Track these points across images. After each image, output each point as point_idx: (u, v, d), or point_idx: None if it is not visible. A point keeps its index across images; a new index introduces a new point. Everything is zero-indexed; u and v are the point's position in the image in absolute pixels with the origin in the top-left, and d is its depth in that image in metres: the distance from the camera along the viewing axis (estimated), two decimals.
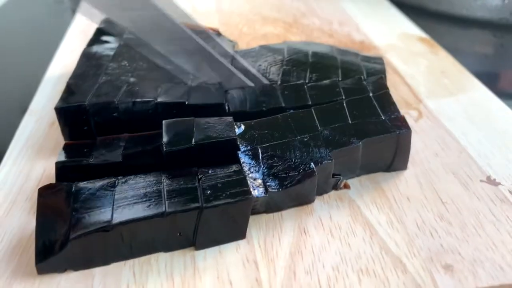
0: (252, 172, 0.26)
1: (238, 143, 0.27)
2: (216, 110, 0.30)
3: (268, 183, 0.26)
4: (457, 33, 0.57)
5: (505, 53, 0.54)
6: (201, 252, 0.25)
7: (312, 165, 0.27)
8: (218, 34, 0.40)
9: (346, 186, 0.29)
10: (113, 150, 0.28)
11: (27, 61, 0.52)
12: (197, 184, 0.25)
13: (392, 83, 0.41)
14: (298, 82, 0.33)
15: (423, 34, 0.51)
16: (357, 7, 0.59)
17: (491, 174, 0.31)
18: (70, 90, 0.31)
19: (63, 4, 0.69)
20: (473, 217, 0.27)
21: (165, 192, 0.24)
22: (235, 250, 0.25)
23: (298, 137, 0.28)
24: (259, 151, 0.27)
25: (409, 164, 0.31)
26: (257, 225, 0.27)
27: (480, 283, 0.23)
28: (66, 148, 0.28)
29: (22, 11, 0.65)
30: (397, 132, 0.29)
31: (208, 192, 0.24)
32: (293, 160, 0.27)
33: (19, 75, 0.49)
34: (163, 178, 0.25)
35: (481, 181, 0.30)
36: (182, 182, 0.25)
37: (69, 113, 0.30)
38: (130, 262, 0.24)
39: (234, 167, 0.26)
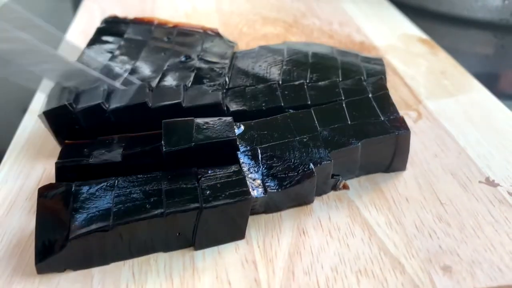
0: (251, 173, 0.26)
1: (238, 143, 0.27)
2: (214, 110, 0.30)
3: (267, 184, 0.26)
4: (457, 34, 0.57)
5: (505, 54, 0.54)
6: (200, 253, 0.25)
7: (311, 165, 0.27)
8: (218, 34, 0.40)
9: (345, 187, 0.29)
10: (113, 150, 0.28)
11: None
12: (196, 184, 0.25)
13: (392, 84, 0.41)
14: (298, 82, 0.33)
15: (423, 35, 0.51)
16: (357, 8, 0.59)
17: (490, 175, 0.31)
18: (55, 92, 0.31)
19: (63, 2, 0.69)
20: (471, 219, 0.27)
21: (164, 192, 0.24)
22: (234, 251, 0.25)
23: (298, 138, 0.28)
24: (259, 151, 0.27)
25: (408, 165, 0.31)
26: (256, 225, 0.27)
27: (478, 284, 0.23)
28: (66, 148, 0.28)
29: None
30: (396, 133, 0.29)
31: (208, 192, 0.24)
32: (292, 161, 0.27)
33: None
34: (162, 178, 0.25)
35: (480, 182, 0.30)
36: (181, 182, 0.25)
37: (55, 116, 0.30)
38: (129, 262, 0.24)
39: (233, 168, 0.26)
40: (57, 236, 0.23)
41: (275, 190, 0.26)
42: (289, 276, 0.24)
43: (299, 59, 0.36)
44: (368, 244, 0.26)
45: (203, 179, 0.25)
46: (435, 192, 0.29)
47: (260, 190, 0.26)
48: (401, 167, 0.31)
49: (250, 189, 0.25)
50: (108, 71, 0.33)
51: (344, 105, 0.31)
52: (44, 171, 0.31)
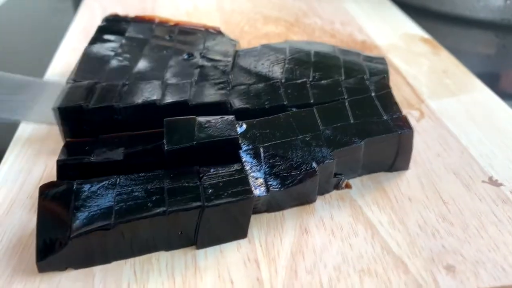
0: (253, 171, 0.26)
1: (240, 142, 0.27)
2: (219, 108, 0.30)
3: (269, 183, 0.26)
4: (459, 34, 0.57)
5: (507, 53, 0.54)
6: (202, 251, 0.25)
7: (314, 164, 0.26)
8: (220, 33, 0.40)
9: (348, 186, 0.29)
10: (114, 148, 0.27)
11: (28, 59, 0.51)
12: (198, 183, 0.25)
13: (394, 83, 0.41)
14: (301, 80, 0.33)
15: (425, 35, 0.51)
16: (359, 7, 0.59)
17: (493, 175, 0.31)
18: (70, 89, 0.31)
19: (64, 1, 0.69)
20: (475, 218, 0.27)
21: (166, 191, 0.24)
22: (236, 250, 0.25)
23: (300, 137, 0.28)
24: (261, 150, 0.27)
25: (411, 164, 0.31)
26: (258, 224, 0.27)
27: (482, 284, 0.23)
28: (67, 146, 0.28)
29: (23, 9, 0.65)
30: (399, 132, 0.29)
31: (210, 191, 0.24)
32: (295, 160, 0.27)
33: (20, 73, 0.48)
34: (164, 176, 0.25)
35: (483, 181, 0.30)
36: (183, 181, 0.25)
37: (68, 113, 0.30)
38: (131, 261, 0.24)
39: (235, 166, 0.26)
40: (58, 235, 0.23)
41: (278, 189, 0.26)
42: (292, 275, 0.24)
43: (301, 57, 0.36)
44: (371, 243, 0.25)
45: (205, 177, 0.25)
46: (438, 191, 0.29)
47: (263, 189, 0.25)
48: (404, 166, 0.31)
49: (252, 188, 0.25)
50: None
51: (346, 104, 0.31)
52: (45, 168, 0.31)
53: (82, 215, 0.23)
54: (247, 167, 0.26)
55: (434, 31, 0.52)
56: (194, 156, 0.26)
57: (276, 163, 0.27)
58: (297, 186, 0.26)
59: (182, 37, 0.38)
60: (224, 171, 0.26)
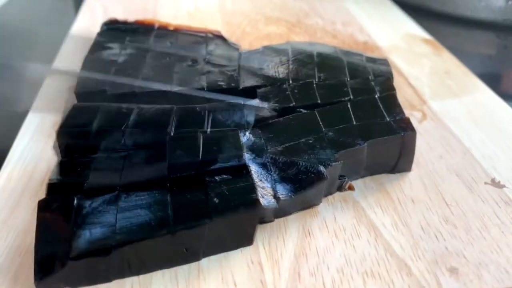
0: (260, 180, 0.26)
1: (245, 152, 0.27)
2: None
3: (277, 190, 0.26)
4: (461, 34, 0.57)
5: (508, 54, 0.54)
6: None
7: (321, 168, 0.26)
8: (220, 37, 0.40)
9: (351, 188, 0.29)
10: (112, 169, 0.26)
11: (31, 58, 0.51)
12: (204, 196, 0.24)
13: (396, 84, 0.41)
14: (307, 81, 0.33)
15: (426, 35, 0.51)
16: (360, 8, 0.59)
17: (496, 176, 0.31)
18: (73, 112, 0.29)
19: (65, 1, 0.69)
20: (478, 220, 0.27)
21: (170, 207, 0.23)
22: (240, 252, 0.25)
23: (303, 140, 0.28)
24: (267, 157, 0.27)
25: (414, 166, 0.31)
26: (261, 227, 0.27)
27: (485, 286, 0.23)
28: (61, 165, 0.26)
29: (24, 10, 0.65)
30: (402, 134, 0.29)
31: (216, 200, 0.24)
32: (301, 164, 0.27)
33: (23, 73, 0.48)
34: (168, 191, 0.24)
35: (485, 183, 0.30)
36: (188, 196, 0.24)
37: (71, 136, 0.28)
38: None
39: (242, 175, 0.25)
40: (57, 253, 0.22)
41: (286, 196, 0.25)
42: (295, 278, 0.24)
43: (304, 58, 0.36)
44: (374, 245, 0.25)
45: (211, 185, 0.25)
46: (440, 193, 0.29)
47: (270, 198, 0.25)
48: (407, 168, 0.31)
49: (260, 198, 0.24)
50: None
51: (349, 105, 0.31)
52: (48, 170, 0.31)
53: (82, 234, 0.22)
54: (254, 176, 0.26)
55: (435, 32, 0.52)
56: (198, 170, 0.26)
57: (283, 170, 0.27)
58: (306, 191, 0.26)
59: (183, 43, 0.38)
60: (230, 179, 0.25)
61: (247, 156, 0.27)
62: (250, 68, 0.35)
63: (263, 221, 0.26)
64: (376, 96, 0.32)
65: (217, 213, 0.23)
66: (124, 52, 0.36)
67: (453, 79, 0.42)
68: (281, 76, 0.34)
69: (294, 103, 0.31)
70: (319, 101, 0.31)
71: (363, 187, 0.30)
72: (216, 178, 0.25)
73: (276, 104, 0.31)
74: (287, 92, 0.32)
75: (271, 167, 0.27)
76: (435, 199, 0.29)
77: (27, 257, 0.25)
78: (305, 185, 0.26)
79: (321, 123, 0.29)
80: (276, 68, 0.35)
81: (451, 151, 0.33)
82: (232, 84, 0.33)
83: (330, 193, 0.29)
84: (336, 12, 0.57)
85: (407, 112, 0.36)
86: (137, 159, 0.27)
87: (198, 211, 0.24)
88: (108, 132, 0.27)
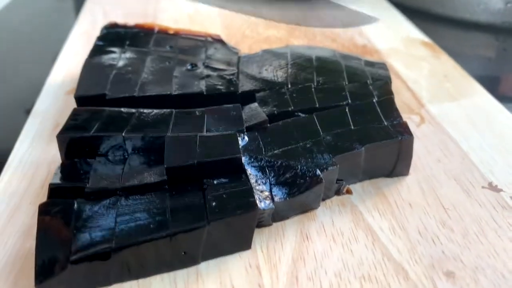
0: (258, 184, 0.26)
1: (243, 155, 0.27)
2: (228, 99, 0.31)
3: (274, 193, 0.26)
4: (460, 37, 0.57)
5: (507, 57, 0.54)
6: None
7: (318, 172, 0.27)
8: (220, 41, 0.40)
9: (349, 192, 0.30)
10: (112, 172, 0.26)
11: (31, 61, 0.52)
12: (202, 200, 0.24)
13: (394, 87, 0.41)
14: (306, 85, 0.33)
15: (426, 39, 0.51)
16: (359, 11, 0.59)
17: (493, 180, 0.31)
18: (74, 116, 0.29)
19: (65, 2, 0.69)
20: (475, 224, 0.27)
21: (169, 210, 0.24)
22: (238, 256, 0.25)
23: (301, 143, 0.28)
24: (264, 161, 0.27)
25: (411, 170, 0.31)
26: (259, 230, 0.27)
27: None
28: (62, 168, 0.27)
29: (25, 11, 0.65)
30: (399, 138, 0.29)
31: (214, 204, 0.24)
32: (299, 168, 0.27)
33: (23, 75, 0.49)
34: (166, 194, 0.25)
35: (483, 187, 0.30)
36: (186, 199, 0.24)
37: (72, 140, 0.28)
38: None
39: (239, 178, 0.26)
40: (58, 256, 0.22)
41: (283, 199, 0.26)
42: (293, 282, 0.24)
43: (303, 62, 0.36)
44: (372, 249, 0.26)
45: (209, 189, 0.25)
46: (438, 197, 0.29)
47: (268, 201, 0.25)
48: (404, 172, 0.31)
49: (257, 201, 0.25)
50: None
51: (347, 110, 0.31)
52: (48, 174, 0.31)
53: (82, 237, 0.22)
54: (252, 179, 0.26)
55: (434, 34, 0.52)
56: (196, 173, 0.26)
57: (281, 173, 0.27)
58: (303, 194, 0.26)
59: (183, 47, 0.38)
60: (228, 182, 0.25)
61: (245, 160, 0.27)
62: (249, 72, 0.35)
63: (261, 224, 0.27)
64: (374, 100, 0.32)
65: (215, 217, 0.24)
66: (123, 56, 0.36)
67: (452, 82, 0.43)
68: (280, 80, 0.34)
69: (292, 107, 0.31)
70: (317, 105, 0.31)
71: (361, 191, 0.30)
72: (214, 181, 0.26)
73: (275, 108, 0.31)
74: (285, 96, 0.32)
75: (269, 171, 0.27)
76: (433, 203, 0.29)
77: (27, 260, 0.25)
78: (302, 188, 0.26)
79: (319, 127, 0.30)
80: (275, 72, 0.35)
81: (449, 155, 0.33)
82: (231, 88, 0.34)
83: (328, 197, 0.29)
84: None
85: (406, 116, 0.37)
86: (137, 163, 0.27)
87: (196, 215, 0.24)
88: (108, 136, 0.28)
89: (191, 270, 0.24)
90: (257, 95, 0.33)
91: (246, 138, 0.28)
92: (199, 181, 0.26)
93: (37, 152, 0.33)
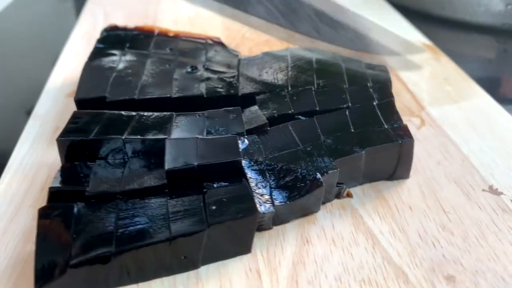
0: (258, 187, 0.26)
1: (243, 158, 0.27)
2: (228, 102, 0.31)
3: (275, 197, 0.26)
4: (460, 39, 0.57)
5: (508, 58, 0.54)
6: None
7: (319, 175, 0.27)
8: (220, 43, 0.40)
9: (349, 195, 0.30)
10: (112, 176, 0.26)
11: (31, 63, 0.52)
12: (202, 203, 0.24)
13: (394, 89, 0.41)
14: (306, 88, 0.33)
15: (426, 41, 0.51)
16: (360, 13, 0.59)
17: (494, 183, 0.31)
18: (74, 119, 0.29)
19: (65, 2, 0.69)
20: (475, 227, 0.27)
21: (168, 215, 0.24)
22: (238, 259, 0.25)
23: (301, 147, 0.28)
24: (264, 164, 0.27)
25: (412, 173, 0.31)
26: (260, 234, 0.27)
27: None
28: (62, 171, 0.27)
29: (26, 13, 0.66)
30: (400, 142, 0.29)
31: (214, 207, 0.24)
32: (299, 171, 0.27)
33: (23, 77, 0.49)
34: (167, 198, 0.25)
35: (483, 190, 0.30)
36: (186, 203, 0.24)
37: (72, 143, 0.28)
38: None
39: (239, 181, 0.26)
40: (57, 260, 0.22)
41: (283, 203, 0.26)
42: (293, 286, 0.24)
43: (304, 65, 0.36)
44: (372, 253, 0.26)
45: (209, 193, 0.25)
46: (438, 200, 0.29)
47: (268, 205, 0.25)
48: (405, 175, 0.31)
49: (258, 205, 0.25)
50: None
51: (347, 113, 0.31)
52: (48, 176, 0.31)
53: (82, 241, 0.22)
54: (252, 183, 0.26)
55: (434, 36, 0.52)
56: (196, 176, 0.26)
57: (281, 177, 0.27)
58: (303, 198, 0.26)
59: (183, 49, 0.38)
60: (228, 186, 0.25)
61: (245, 163, 0.27)
62: (249, 75, 0.35)
63: (261, 228, 0.27)
64: (374, 103, 0.32)
65: (215, 221, 0.24)
66: (124, 58, 0.36)
67: (452, 84, 0.43)
68: (280, 82, 0.34)
69: (292, 110, 0.31)
70: (317, 108, 0.31)
71: (361, 194, 0.30)
72: (214, 185, 0.26)
73: (275, 111, 0.31)
74: (285, 99, 0.32)
75: (269, 174, 0.27)
76: (433, 206, 0.29)
77: (27, 264, 0.25)
78: (302, 192, 0.26)
79: (319, 131, 0.30)
80: (275, 75, 0.35)
81: (449, 158, 0.33)
82: (231, 91, 0.34)
83: (329, 200, 0.29)
84: None
85: (406, 119, 0.37)
86: (137, 166, 0.27)
87: (196, 219, 0.24)
88: (108, 139, 0.28)
89: (191, 273, 0.24)
90: (257, 98, 0.33)
91: (246, 141, 0.28)
92: (199, 184, 0.26)
93: (37, 155, 0.33)
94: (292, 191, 0.26)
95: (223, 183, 0.26)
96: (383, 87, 0.34)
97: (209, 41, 0.40)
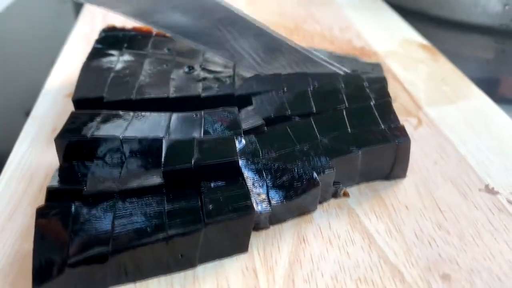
0: (255, 186, 0.26)
1: (240, 158, 0.27)
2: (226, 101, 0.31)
3: (271, 196, 0.26)
4: (458, 39, 0.57)
5: (506, 59, 0.55)
6: None
7: (315, 175, 0.27)
8: None
9: (346, 194, 0.30)
10: (109, 175, 0.26)
11: (30, 64, 0.52)
12: (199, 203, 0.25)
13: (392, 89, 0.41)
14: (302, 89, 0.33)
15: (423, 41, 0.51)
16: (358, 13, 0.59)
17: (490, 183, 0.31)
18: (72, 120, 0.29)
19: (64, 4, 0.70)
20: (471, 227, 0.27)
21: (166, 214, 0.24)
22: (235, 259, 0.25)
23: (298, 147, 0.28)
24: (261, 164, 0.27)
25: (408, 172, 0.31)
26: (257, 233, 0.27)
27: None
28: (60, 171, 0.27)
29: (25, 13, 0.66)
30: (396, 142, 0.29)
31: (210, 206, 0.24)
32: (296, 171, 0.27)
33: (22, 77, 0.49)
34: (163, 197, 0.25)
35: (479, 190, 0.30)
36: (183, 202, 0.25)
37: (70, 143, 0.28)
38: None
39: (236, 181, 0.26)
40: (55, 260, 0.22)
41: (280, 202, 0.26)
42: (289, 284, 0.24)
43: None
44: (368, 252, 0.26)
45: (206, 192, 0.25)
46: (434, 199, 0.29)
47: (265, 204, 0.26)
48: (401, 174, 0.31)
49: (254, 204, 0.25)
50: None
51: (344, 113, 0.31)
52: (46, 176, 0.31)
53: (79, 240, 0.23)
54: (248, 182, 0.26)
55: (432, 36, 0.53)
56: (193, 176, 0.26)
57: (277, 176, 0.27)
58: (300, 197, 0.26)
59: (180, 49, 0.38)
60: (225, 185, 0.25)
61: (242, 163, 0.27)
62: (245, 75, 0.36)
63: (258, 227, 0.27)
64: (371, 104, 0.32)
65: (212, 220, 0.24)
66: (122, 58, 0.37)
67: (449, 84, 0.43)
68: (275, 84, 0.34)
69: (289, 112, 0.31)
70: (314, 110, 0.31)
71: (358, 194, 0.30)
72: (211, 184, 0.26)
73: (272, 113, 0.31)
74: (282, 100, 0.32)
75: (266, 174, 0.27)
76: (429, 205, 0.29)
77: (25, 263, 0.25)
78: (299, 191, 0.26)
79: (316, 130, 0.30)
80: (271, 76, 0.35)
81: (446, 158, 0.33)
82: (228, 91, 0.34)
83: (325, 200, 0.29)
84: (334, 17, 0.58)
85: (403, 118, 0.37)
86: (134, 166, 0.27)
87: (193, 218, 0.24)
88: (106, 139, 0.28)
89: (188, 272, 0.25)
90: (254, 98, 0.33)
91: (243, 141, 0.28)
92: (196, 184, 0.26)
93: (36, 155, 0.33)
94: (289, 190, 0.26)
95: (220, 183, 0.26)
96: (380, 87, 0.34)
97: None
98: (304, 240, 0.27)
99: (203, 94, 0.33)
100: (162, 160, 0.26)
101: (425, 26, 0.57)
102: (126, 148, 0.28)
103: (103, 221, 0.24)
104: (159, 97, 0.33)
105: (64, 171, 0.27)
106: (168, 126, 0.29)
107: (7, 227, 0.27)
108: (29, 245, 0.26)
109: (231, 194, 0.25)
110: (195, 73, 0.36)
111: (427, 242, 0.26)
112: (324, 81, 0.34)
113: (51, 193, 0.25)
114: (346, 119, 0.31)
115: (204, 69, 0.36)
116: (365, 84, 0.34)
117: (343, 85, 0.34)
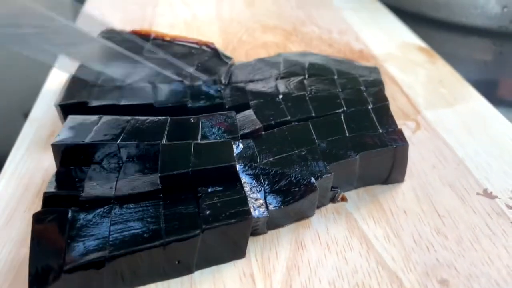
0: (252, 192, 0.26)
1: (237, 163, 0.27)
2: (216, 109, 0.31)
3: (269, 201, 0.26)
4: (456, 41, 0.57)
5: (504, 61, 0.55)
6: None
7: (313, 180, 0.27)
8: (213, 49, 0.40)
9: (344, 199, 0.30)
10: (106, 180, 0.26)
11: (29, 65, 0.52)
12: (196, 208, 0.24)
13: (390, 93, 0.41)
14: (299, 94, 0.33)
15: (422, 44, 0.51)
16: (356, 16, 0.59)
17: (488, 187, 0.31)
18: (69, 124, 0.29)
19: (64, 9, 0.69)
20: (469, 231, 0.27)
21: (162, 219, 0.24)
22: (232, 264, 0.25)
23: (296, 151, 0.28)
24: (259, 169, 0.27)
25: (406, 177, 0.31)
26: (254, 239, 0.27)
27: None
28: (57, 176, 0.27)
29: None
30: (394, 146, 0.29)
31: (208, 212, 0.24)
32: (294, 176, 0.27)
33: (21, 80, 0.49)
34: (160, 203, 0.25)
35: (478, 194, 0.30)
36: (180, 207, 0.25)
37: (67, 148, 0.28)
38: None
39: (234, 186, 0.26)
40: (51, 265, 0.22)
41: (278, 207, 0.26)
42: None
43: (296, 70, 0.36)
44: (366, 257, 0.26)
45: (203, 197, 0.25)
46: (433, 204, 0.29)
47: (262, 210, 0.25)
48: (399, 178, 0.31)
49: (252, 209, 0.25)
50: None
51: (342, 117, 0.31)
52: (43, 181, 0.31)
53: (76, 246, 0.22)
54: (246, 187, 0.26)
55: (431, 38, 0.53)
56: (190, 181, 0.26)
57: (275, 181, 0.27)
58: (297, 202, 0.26)
59: (175, 54, 0.38)
60: (222, 191, 0.25)
61: (239, 168, 0.27)
62: (239, 84, 0.35)
63: (256, 233, 0.27)
64: (369, 107, 0.32)
65: (209, 225, 0.24)
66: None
67: (448, 87, 0.43)
68: (272, 89, 0.34)
69: (289, 117, 0.31)
70: (313, 114, 0.31)
71: (356, 198, 0.30)
72: (209, 189, 0.26)
73: (271, 118, 0.31)
74: (281, 106, 0.32)
75: (264, 179, 0.27)
76: (428, 210, 0.29)
77: (21, 269, 0.25)
78: (296, 196, 0.26)
79: (314, 135, 0.30)
80: (266, 83, 0.35)
81: (444, 162, 0.33)
82: (217, 100, 0.33)
83: (323, 205, 0.29)
84: (332, 20, 0.58)
85: (401, 122, 0.37)
86: (131, 171, 0.27)
87: (190, 224, 0.24)
88: (103, 144, 0.28)
89: (185, 278, 0.24)
90: (251, 103, 0.32)
91: (240, 145, 0.28)
92: (193, 189, 0.26)
93: (33, 160, 0.33)
94: (287, 195, 0.26)
95: (218, 188, 0.26)
96: (377, 91, 0.34)
97: (203, 47, 0.40)
98: (302, 245, 0.26)
99: (191, 104, 0.33)
100: (159, 165, 0.26)
101: (424, 28, 0.57)
102: (123, 153, 0.28)
103: (100, 226, 0.24)
104: (144, 103, 0.32)
105: (61, 176, 0.27)
106: (165, 131, 0.29)
107: (3, 233, 0.27)
108: (25, 251, 0.26)
109: (228, 199, 0.25)
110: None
111: (425, 247, 0.26)
112: (322, 84, 0.34)
113: (48, 199, 0.25)
114: (344, 123, 0.30)
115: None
116: (363, 88, 0.34)
117: (339, 89, 0.34)
